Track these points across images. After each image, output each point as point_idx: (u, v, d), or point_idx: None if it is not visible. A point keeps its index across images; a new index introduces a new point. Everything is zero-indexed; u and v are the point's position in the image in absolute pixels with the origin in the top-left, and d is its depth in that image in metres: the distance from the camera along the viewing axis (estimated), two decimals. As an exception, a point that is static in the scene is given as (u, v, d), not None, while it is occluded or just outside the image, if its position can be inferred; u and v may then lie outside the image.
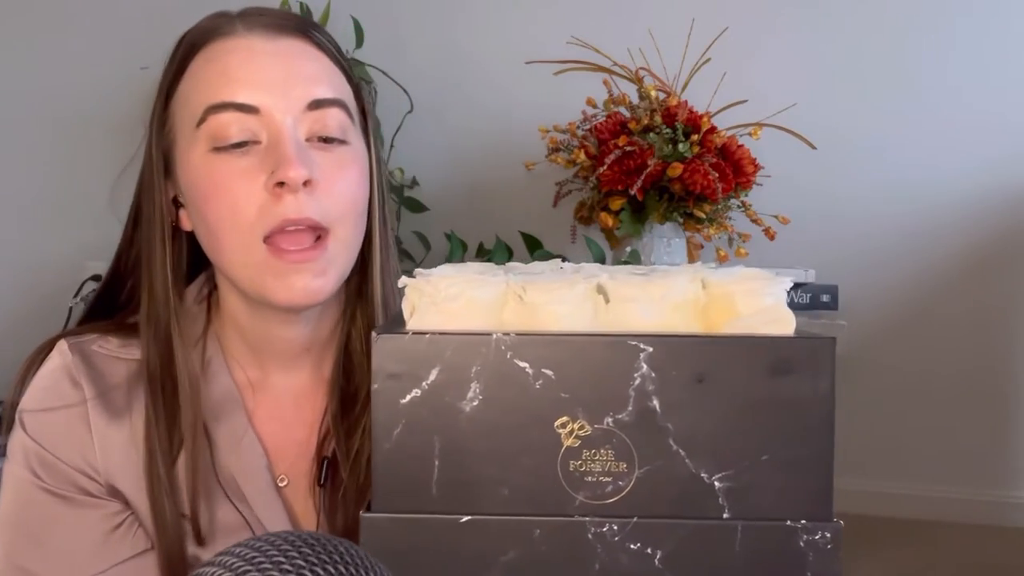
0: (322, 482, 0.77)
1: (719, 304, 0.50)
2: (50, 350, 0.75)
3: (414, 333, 0.48)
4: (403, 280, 0.51)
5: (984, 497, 2.09)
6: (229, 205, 0.70)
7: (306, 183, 0.69)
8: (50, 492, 0.72)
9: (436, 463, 0.48)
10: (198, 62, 0.74)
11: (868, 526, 2.00)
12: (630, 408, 0.47)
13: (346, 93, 0.76)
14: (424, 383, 0.47)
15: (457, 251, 1.77)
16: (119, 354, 0.76)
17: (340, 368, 0.79)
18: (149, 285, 0.75)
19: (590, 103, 1.77)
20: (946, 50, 1.97)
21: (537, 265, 0.61)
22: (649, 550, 0.48)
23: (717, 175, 1.56)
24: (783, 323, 0.50)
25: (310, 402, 0.80)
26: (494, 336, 0.47)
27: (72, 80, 2.36)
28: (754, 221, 1.67)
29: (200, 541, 0.73)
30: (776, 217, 1.70)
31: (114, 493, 0.73)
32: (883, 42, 1.99)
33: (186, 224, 0.76)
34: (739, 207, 1.68)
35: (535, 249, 1.74)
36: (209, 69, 0.73)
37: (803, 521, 0.48)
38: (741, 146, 1.66)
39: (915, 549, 1.94)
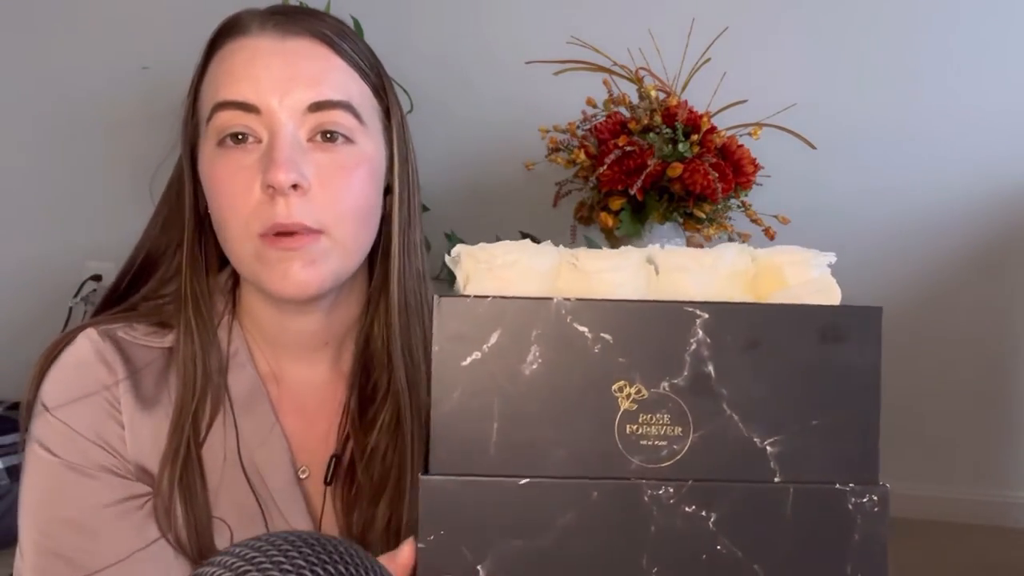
0: (329, 480, 0.77)
1: (768, 275, 0.51)
2: (69, 342, 0.75)
3: (475, 297, 0.48)
4: (457, 248, 0.52)
5: (984, 497, 2.09)
6: (229, 199, 0.72)
7: (296, 187, 0.70)
8: (79, 472, 0.71)
9: (495, 425, 0.48)
10: (215, 60, 0.76)
11: (868, 526, 2.00)
12: (686, 373, 0.48)
13: (357, 93, 0.76)
14: (485, 345, 0.48)
15: (457, 251, 1.77)
16: (146, 342, 0.76)
17: (359, 364, 0.79)
18: (183, 270, 0.77)
19: (590, 103, 1.77)
20: (946, 50, 1.97)
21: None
22: (704, 512, 0.49)
23: (717, 175, 1.56)
24: (830, 293, 0.51)
25: (330, 396, 0.81)
26: (554, 300, 0.48)
27: (72, 80, 2.36)
28: (754, 221, 1.67)
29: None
30: (776, 217, 1.70)
31: (142, 475, 0.74)
32: (883, 42, 1.99)
33: None
34: (739, 207, 1.68)
35: (535, 249, 1.74)
36: (220, 67, 0.75)
37: (851, 485, 0.50)
38: (741, 146, 1.66)
39: (915, 549, 1.94)
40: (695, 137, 1.62)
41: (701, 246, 0.62)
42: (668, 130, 1.62)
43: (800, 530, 0.49)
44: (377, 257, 0.81)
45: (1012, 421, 2.06)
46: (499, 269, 0.50)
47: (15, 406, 2.00)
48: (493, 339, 0.48)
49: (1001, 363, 2.04)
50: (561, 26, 2.04)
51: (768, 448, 0.49)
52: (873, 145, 2.00)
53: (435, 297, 0.48)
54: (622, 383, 0.48)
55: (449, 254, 0.53)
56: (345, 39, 0.76)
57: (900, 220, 2.02)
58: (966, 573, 1.88)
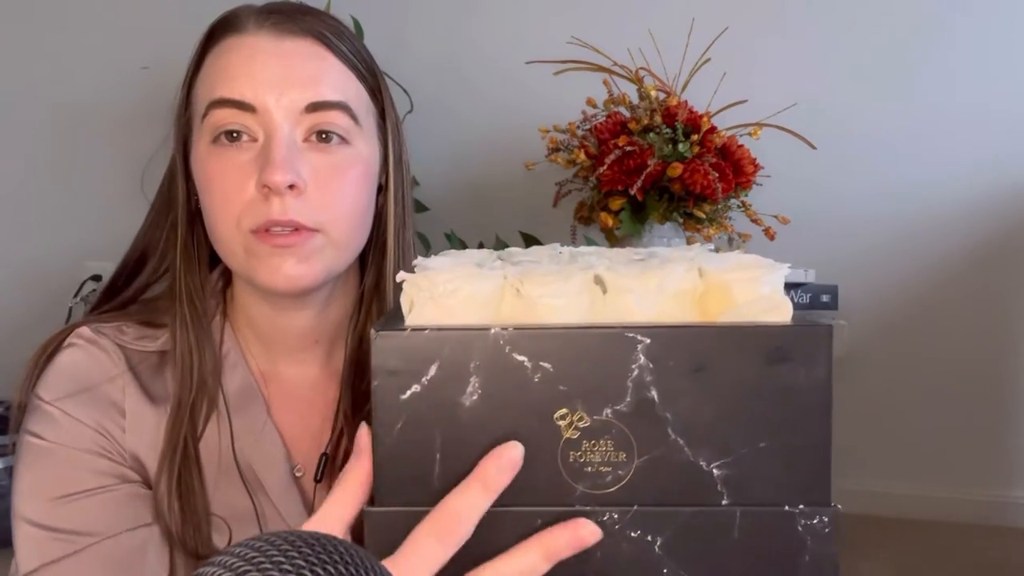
0: (319, 478, 0.78)
1: (716, 293, 0.50)
2: (62, 342, 0.76)
3: (412, 330, 0.47)
4: (401, 275, 0.51)
5: (984, 497, 2.09)
6: (221, 197, 0.73)
7: (292, 187, 0.70)
8: (69, 450, 0.72)
9: (437, 456, 0.48)
10: (211, 56, 0.76)
11: (868, 526, 2.00)
12: (628, 399, 0.47)
13: (354, 94, 0.76)
14: (423, 378, 0.47)
15: (457, 251, 1.77)
16: (138, 346, 0.77)
17: (350, 363, 0.80)
18: (177, 268, 0.78)
19: (590, 103, 1.77)
20: (946, 50, 1.97)
21: (536, 250, 0.60)
22: (649, 537, 0.48)
23: (717, 175, 1.56)
24: (780, 311, 0.49)
25: (323, 394, 0.81)
26: (492, 331, 0.47)
27: (72, 80, 2.36)
28: (754, 221, 1.67)
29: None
30: (776, 217, 1.70)
31: (137, 467, 0.74)
32: (883, 42, 1.99)
33: None
34: (739, 207, 1.68)
35: (535, 249, 1.74)
36: (216, 65, 0.75)
37: (801, 506, 0.48)
38: (741, 146, 1.66)
39: (915, 549, 1.94)
40: (695, 137, 1.62)
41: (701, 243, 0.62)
42: (668, 130, 1.62)
43: (749, 553, 0.48)
44: (369, 256, 0.81)
45: (1012, 421, 2.06)
46: (441, 298, 0.49)
47: (15, 406, 2.00)
48: (432, 372, 0.47)
49: (1001, 363, 2.04)
50: (561, 26, 2.04)
51: (715, 471, 0.48)
52: (873, 145, 2.00)
53: (372, 331, 0.47)
54: (564, 411, 0.47)
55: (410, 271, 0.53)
56: (342, 39, 0.77)
57: (900, 220, 2.02)
58: (966, 573, 1.88)
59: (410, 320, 0.49)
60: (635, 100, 1.73)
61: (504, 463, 0.46)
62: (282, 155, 0.70)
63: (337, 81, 0.75)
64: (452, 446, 0.48)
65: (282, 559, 0.39)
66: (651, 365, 0.47)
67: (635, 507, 0.48)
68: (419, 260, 0.54)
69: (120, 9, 2.36)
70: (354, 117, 0.75)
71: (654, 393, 0.47)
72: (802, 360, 0.47)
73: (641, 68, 1.85)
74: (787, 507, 0.48)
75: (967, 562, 1.92)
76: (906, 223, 2.02)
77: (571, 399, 0.47)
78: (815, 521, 0.49)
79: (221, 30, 0.76)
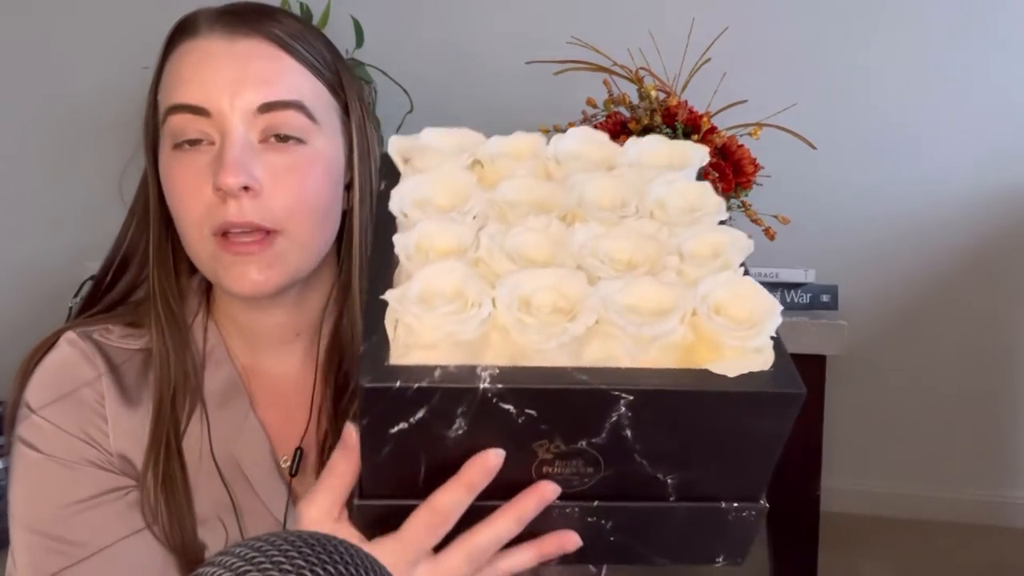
0: (294, 472, 0.78)
1: (706, 347, 0.51)
2: (51, 345, 0.76)
3: (401, 386, 0.48)
4: (389, 295, 0.51)
5: (984, 497, 2.09)
6: (182, 202, 0.73)
7: (247, 188, 0.71)
8: (63, 464, 0.72)
9: (422, 469, 0.52)
10: (169, 62, 0.76)
11: (868, 526, 2.00)
12: (603, 435, 0.50)
13: (309, 92, 0.75)
14: (412, 419, 0.49)
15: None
16: (122, 344, 0.78)
17: (329, 354, 0.81)
18: (150, 271, 0.78)
19: (590, 103, 1.77)
20: (946, 49, 1.97)
21: (529, 221, 0.58)
22: (602, 521, 0.54)
23: (717, 175, 1.56)
24: (764, 358, 0.51)
25: (305, 386, 0.82)
26: (480, 387, 0.48)
27: (72, 80, 2.36)
28: (754, 221, 1.67)
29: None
30: (776, 217, 1.70)
31: (126, 467, 0.75)
32: (883, 41, 1.99)
33: None
34: (739, 207, 1.68)
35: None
36: (172, 70, 0.75)
37: (735, 503, 0.54)
38: (741, 146, 1.66)
39: (915, 549, 1.94)
40: (695, 137, 1.62)
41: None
42: (668, 130, 1.62)
43: (682, 531, 0.56)
44: (342, 249, 0.81)
45: (1012, 421, 2.06)
46: (422, 350, 0.50)
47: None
48: (420, 414, 0.49)
49: (1001, 363, 2.04)
50: (561, 26, 2.04)
51: (669, 480, 0.53)
52: (873, 145, 2.00)
53: (360, 384, 0.48)
54: (543, 442, 0.51)
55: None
56: (297, 38, 0.76)
57: (900, 220, 2.02)
58: (966, 573, 1.88)
59: (395, 351, 0.50)
60: (635, 100, 1.73)
61: (488, 468, 0.51)
62: (234, 157, 0.70)
63: (291, 80, 0.74)
64: (436, 459, 0.52)
65: (282, 559, 0.39)
66: (630, 414, 0.49)
67: (596, 502, 0.54)
68: (395, 137, 0.59)
69: (120, 9, 2.36)
70: (310, 115, 0.74)
71: (628, 432, 0.50)
72: (771, 416, 0.50)
73: (641, 68, 1.85)
74: (723, 504, 0.54)
75: (967, 562, 1.92)
76: (906, 223, 2.02)
77: (551, 434, 0.50)
78: (744, 512, 0.55)
79: (179, 35, 0.76)
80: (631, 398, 0.49)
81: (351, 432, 0.55)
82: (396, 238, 0.54)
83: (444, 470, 0.52)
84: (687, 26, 1.89)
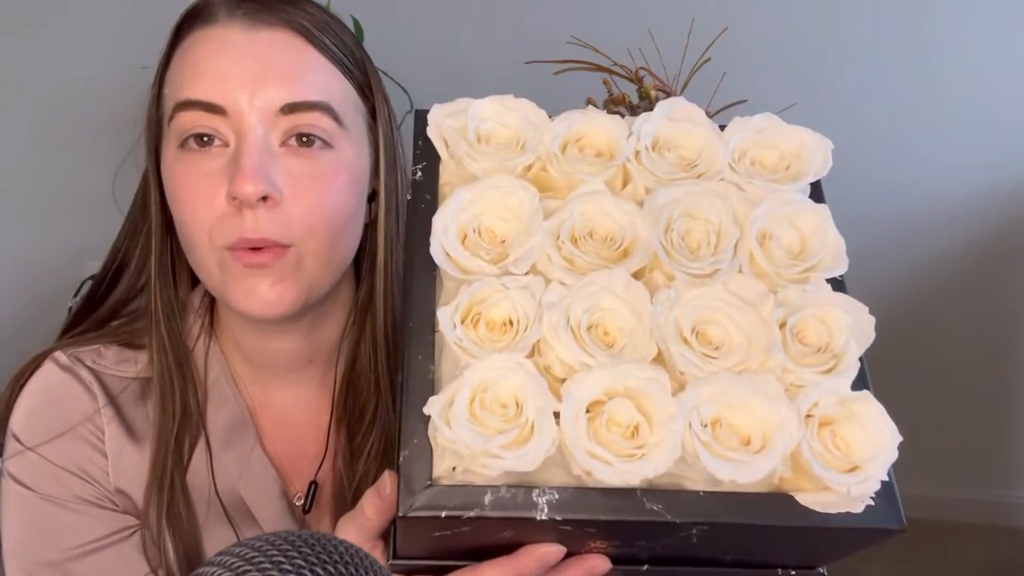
0: (308, 508, 0.73)
1: (803, 477, 0.46)
2: (36, 367, 0.70)
3: (447, 516, 0.44)
4: (431, 413, 0.46)
5: (984, 497, 2.09)
6: (191, 208, 0.66)
7: (265, 198, 0.63)
8: (58, 506, 0.67)
9: (463, 545, 0.50)
10: (179, 52, 0.68)
11: (868, 526, 2.00)
12: (667, 543, 0.49)
13: (338, 92, 0.68)
14: (455, 530, 0.47)
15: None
16: (117, 371, 0.71)
17: (344, 386, 0.74)
18: (151, 284, 0.71)
19: (590, 103, 1.76)
20: (944, 49, 1.97)
21: (600, 277, 0.49)
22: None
23: (717, 175, 1.56)
24: (847, 504, 0.47)
25: (318, 417, 0.75)
26: (538, 519, 0.44)
27: (71, 80, 2.36)
28: (754, 221, 1.67)
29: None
30: (776, 217, 1.69)
31: (127, 504, 0.70)
32: (883, 41, 1.99)
33: None
34: (739, 207, 1.67)
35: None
36: (183, 61, 0.67)
37: (792, 571, 0.52)
38: (741, 146, 1.65)
39: (916, 549, 1.94)
40: (695, 137, 1.62)
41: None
42: (668, 130, 1.62)
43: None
44: (363, 267, 0.74)
45: (1012, 421, 2.06)
46: (469, 474, 0.45)
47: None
48: (465, 529, 0.47)
49: (1001, 362, 2.04)
50: (561, 26, 2.03)
51: (727, 556, 0.51)
52: (872, 145, 2.00)
53: (398, 514, 0.45)
54: (600, 543, 0.49)
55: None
56: (326, 31, 0.68)
57: (901, 219, 2.02)
58: (966, 573, 1.88)
59: (439, 463, 0.45)
60: (635, 100, 1.72)
61: (545, 562, 0.48)
62: (253, 162, 0.62)
63: (318, 78, 0.66)
64: (483, 545, 0.49)
65: (282, 559, 0.39)
66: (701, 535, 0.46)
67: (645, 567, 0.51)
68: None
69: (119, 9, 2.36)
70: (337, 119, 0.67)
71: (695, 542, 0.47)
72: (862, 539, 0.47)
73: (641, 68, 1.84)
74: (780, 571, 0.51)
75: (967, 562, 1.92)
76: (906, 222, 2.01)
77: (595, 537, 0.48)
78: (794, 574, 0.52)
79: (190, 22, 0.68)
80: (706, 528, 0.45)
81: (388, 484, 0.51)
82: (440, 312, 0.47)
83: (492, 549, 0.49)
84: (687, 26, 1.88)
